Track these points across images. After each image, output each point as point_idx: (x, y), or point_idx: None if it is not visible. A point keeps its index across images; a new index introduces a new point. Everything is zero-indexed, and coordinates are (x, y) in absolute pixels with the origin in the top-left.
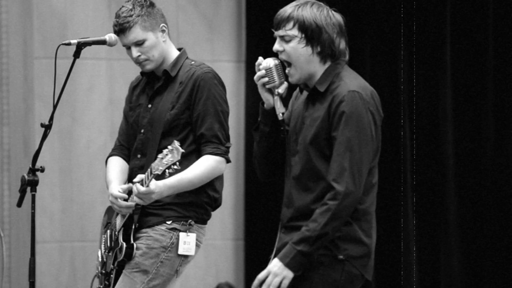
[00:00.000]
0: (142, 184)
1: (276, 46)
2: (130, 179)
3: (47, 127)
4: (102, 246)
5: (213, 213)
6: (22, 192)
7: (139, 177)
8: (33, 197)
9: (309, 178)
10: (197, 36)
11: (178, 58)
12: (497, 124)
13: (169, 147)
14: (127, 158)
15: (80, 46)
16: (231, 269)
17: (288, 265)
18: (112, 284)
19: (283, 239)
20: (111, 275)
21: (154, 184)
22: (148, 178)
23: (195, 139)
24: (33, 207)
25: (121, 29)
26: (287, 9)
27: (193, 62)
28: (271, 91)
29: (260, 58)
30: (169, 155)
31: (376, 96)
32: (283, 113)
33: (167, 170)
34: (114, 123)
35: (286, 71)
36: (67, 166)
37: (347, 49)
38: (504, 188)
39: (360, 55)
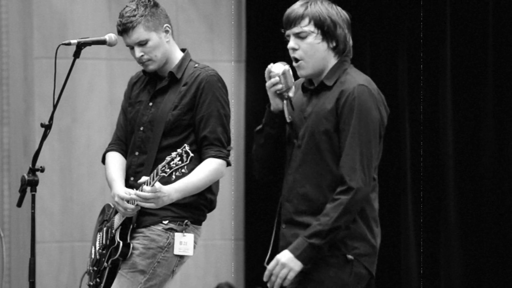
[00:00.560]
0: (147, 184)
1: (291, 44)
2: (126, 175)
3: (47, 127)
4: (97, 243)
5: (213, 213)
6: (22, 192)
7: (144, 178)
8: (33, 197)
9: (313, 170)
10: (197, 36)
11: (182, 60)
12: (497, 123)
13: (179, 150)
14: (125, 154)
15: (80, 46)
16: (231, 269)
17: (298, 257)
18: (104, 282)
19: (286, 235)
20: (104, 273)
21: (159, 185)
22: (153, 179)
23: (196, 140)
24: (33, 207)
25: (124, 29)
26: (299, 7)
27: (196, 65)
28: (281, 95)
29: (270, 65)
30: (178, 158)
31: (381, 93)
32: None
33: (174, 173)
34: (114, 123)
35: (295, 64)
36: (67, 166)
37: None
38: (504, 188)
39: (361, 56)
